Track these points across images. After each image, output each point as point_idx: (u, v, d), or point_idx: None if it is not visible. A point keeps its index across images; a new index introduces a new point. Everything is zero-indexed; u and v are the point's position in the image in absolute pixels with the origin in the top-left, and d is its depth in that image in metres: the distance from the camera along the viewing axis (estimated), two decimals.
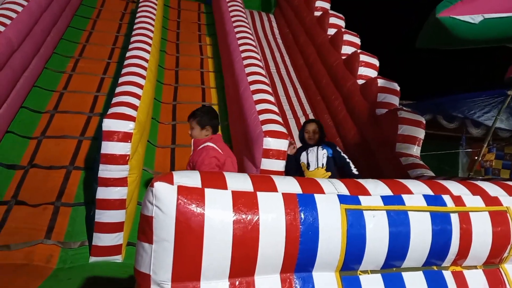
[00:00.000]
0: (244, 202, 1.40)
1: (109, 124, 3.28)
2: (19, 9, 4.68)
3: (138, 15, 5.75)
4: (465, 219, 1.69)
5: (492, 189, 1.86)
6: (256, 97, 4.21)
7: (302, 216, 1.45)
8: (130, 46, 4.74)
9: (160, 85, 5.76)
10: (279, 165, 3.60)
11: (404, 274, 1.63)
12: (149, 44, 4.90)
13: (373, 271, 1.60)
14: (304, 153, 3.86)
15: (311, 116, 6.27)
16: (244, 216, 1.38)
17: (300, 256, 1.44)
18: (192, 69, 6.44)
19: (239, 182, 1.46)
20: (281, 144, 3.60)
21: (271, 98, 4.30)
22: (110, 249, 3.33)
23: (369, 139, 4.90)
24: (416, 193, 1.67)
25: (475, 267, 1.75)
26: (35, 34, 5.00)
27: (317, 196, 1.51)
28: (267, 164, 3.57)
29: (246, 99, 4.32)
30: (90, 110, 4.96)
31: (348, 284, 1.53)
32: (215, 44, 7.09)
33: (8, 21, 4.37)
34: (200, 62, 6.70)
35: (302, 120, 6.21)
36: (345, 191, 1.58)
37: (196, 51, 6.97)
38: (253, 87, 4.38)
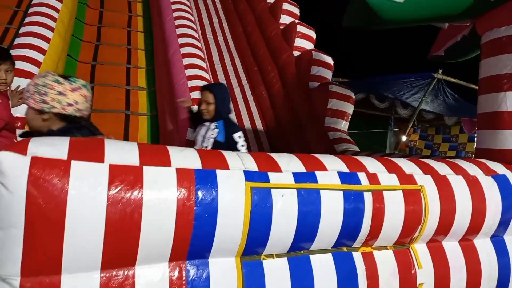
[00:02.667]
0: (124, 179, 1.14)
1: None
2: None
3: None
4: (378, 198, 1.60)
5: (408, 166, 1.80)
6: (186, 61, 3.86)
7: (199, 195, 1.23)
8: None
9: (78, 41, 5.11)
10: None
11: (312, 257, 1.51)
12: None
13: (278, 255, 1.45)
14: (198, 128, 2.91)
15: (246, 88, 6.05)
16: (122, 196, 1.12)
17: (194, 241, 1.23)
18: (118, 27, 5.82)
19: (123, 153, 1.20)
20: None
21: (203, 64, 3.98)
22: None
23: (302, 113, 4.82)
24: (331, 170, 1.53)
25: (385, 247, 1.69)
26: None
27: (219, 172, 1.30)
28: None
29: (175, 63, 3.95)
30: None
31: (249, 270, 1.37)
32: (147, 1, 6.48)
33: None
34: (128, 20, 6.08)
35: (237, 91, 5.97)
36: (253, 166, 1.39)
37: (124, 7, 6.31)
38: (184, 51, 4.02)
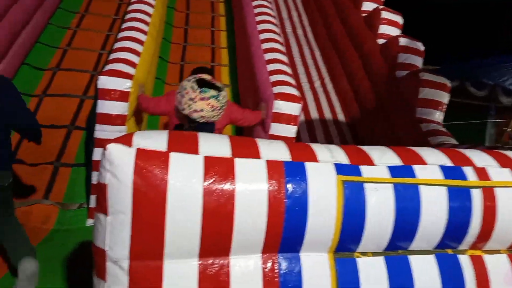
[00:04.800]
0: (218, 170, 1.17)
1: (104, 82, 3.08)
2: None
3: None
4: (489, 195, 1.42)
5: None
6: (268, 56, 3.88)
7: (289, 187, 1.21)
8: (132, 0, 4.43)
9: (167, 43, 5.47)
10: (290, 130, 3.33)
11: (411, 257, 1.40)
12: None
13: (374, 253, 1.37)
14: None
15: (327, 81, 5.90)
16: (217, 186, 1.16)
17: (285, 234, 1.22)
18: (202, 27, 6.10)
19: (215, 145, 1.23)
20: (293, 108, 3.32)
21: (284, 58, 3.97)
22: None
23: (388, 104, 4.54)
24: (431, 163, 1.40)
25: (498, 251, 1.49)
26: None
27: (308, 165, 1.26)
28: (277, 129, 3.30)
29: (257, 58, 4.00)
30: (93, 69, 4.76)
31: (342, 267, 1.31)
32: (228, 1, 6.67)
33: None
34: (211, 20, 6.33)
35: (317, 84, 5.86)
36: (344, 159, 1.33)
37: (207, 9, 6.58)
38: (265, 46, 4.04)
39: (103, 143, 3.12)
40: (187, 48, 5.67)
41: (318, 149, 1.34)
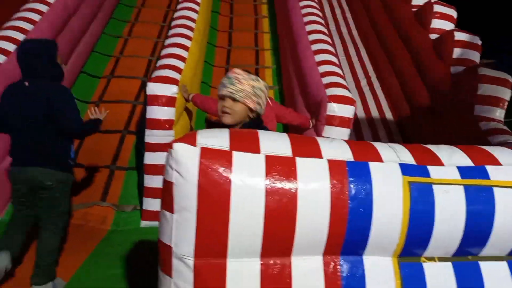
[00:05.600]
0: (280, 169, 1.16)
1: (152, 88, 3.19)
2: None
3: None
4: None
5: None
6: (319, 58, 3.83)
7: (352, 188, 1.18)
8: (178, 7, 4.57)
9: (212, 47, 5.58)
10: (344, 133, 3.29)
11: (482, 264, 1.30)
12: (198, 3, 4.68)
13: (441, 259, 1.29)
14: None
15: (373, 79, 5.72)
16: (279, 186, 1.14)
17: (348, 236, 1.18)
18: (246, 30, 6.15)
19: (276, 144, 1.22)
20: (347, 111, 3.26)
21: (335, 60, 3.91)
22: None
23: (440, 102, 4.32)
24: (506, 164, 1.30)
25: None
26: None
27: (372, 165, 1.22)
28: (330, 132, 3.27)
29: (306, 60, 3.96)
30: (144, 75, 4.96)
31: (408, 272, 1.25)
32: (271, 2, 6.69)
33: None
34: (254, 22, 6.38)
35: (364, 83, 5.70)
36: (409, 159, 1.26)
37: (251, 11, 6.63)
38: (315, 47, 3.99)
39: (153, 147, 3.26)
40: (231, 51, 5.74)
41: (382, 148, 1.29)
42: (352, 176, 1.18)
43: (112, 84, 4.75)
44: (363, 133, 4.81)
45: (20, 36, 3.53)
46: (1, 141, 3.01)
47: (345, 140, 1.33)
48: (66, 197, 2.41)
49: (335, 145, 1.28)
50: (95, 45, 5.18)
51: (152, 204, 3.27)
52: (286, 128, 4.36)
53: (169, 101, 3.19)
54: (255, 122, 1.71)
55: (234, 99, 1.68)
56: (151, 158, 3.22)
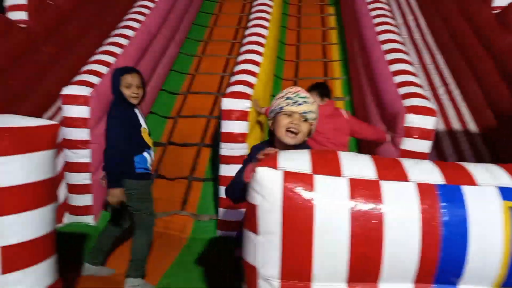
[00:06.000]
0: (364, 193, 1.16)
1: (227, 104, 3.36)
2: None
3: None
4: None
5: None
6: (394, 68, 3.75)
7: (445, 214, 1.13)
8: (249, 24, 4.75)
9: (281, 61, 5.69)
10: (424, 146, 3.16)
11: None
12: (267, 20, 4.83)
13: None
14: (139, 115, 2.82)
15: (452, 87, 5.38)
16: (364, 210, 1.15)
17: (442, 264, 1.13)
18: (313, 42, 6.19)
19: (358, 166, 1.23)
20: (427, 122, 3.14)
21: (412, 69, 3.79)
22: (235, 225, 3.48)
23: None
24: None
25: None
26: (171, 21, 5.44)
27: (466, 189, 1.16)
28: (409, 144, 3.16)
29: (380, 70, 3.90)
30: (217, 90, 5.22)
31: None
32: (339, 13, 6.65)
33: (147, 11, 4.84)
34: (322, 34, 6.39)
35: (441, 90, 5.39)
36: (509, 181, 1.19)
37: (318, 23, 6.66)
38: (389, 57, 3.92)
39: (227, 160, 3.42)
40: (299, 64, 5.81)
41: (475, 169, 1.23)
42: (444, 201, 1.14)
43: (189, 100, 5.08)
44: (443, 146, 4.54)
45: (111, 59, 3.95)
46: (96, 153, 3.39)
47: (432, 161, 1.30)
48: (139, 202, 2.64)
49: (422, 167, 1.25)
50: (173, 64, 5.59)
51: (227, 214, 3.42)
52: (358, 141, 4.29)
53: (243, 115, 3.33)
54: (306, 146, 1.63)
55: (304, 119, 1.60)
56: (226, 170, 3.38)
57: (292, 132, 1.60)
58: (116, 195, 2.50)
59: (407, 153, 3.18)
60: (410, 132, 3.13)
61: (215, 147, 4.36)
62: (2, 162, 1.29)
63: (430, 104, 3.23)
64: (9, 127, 1.29)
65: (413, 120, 3.12)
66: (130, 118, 2.64)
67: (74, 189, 3.41)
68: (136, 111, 2.73)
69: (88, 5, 5.25)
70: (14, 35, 4.11)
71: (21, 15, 4.41)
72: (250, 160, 1.61)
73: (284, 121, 1.61)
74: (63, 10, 4.83)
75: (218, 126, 4.57)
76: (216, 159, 4.18)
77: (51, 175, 1.45)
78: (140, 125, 2.70)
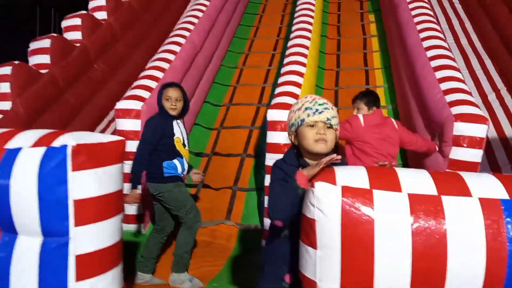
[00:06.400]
0: (425, 209, 1.16)
1: (272, 115, 3.41)
2: (200, 14, 5.34)
3: (298, 2, 5.79)
4: None
5: None
6: (440, 74, 3.65)
7: (511, 229, 1.12)
8: (291, 36, 4.80)
9: (321, 71, 5.69)
10: (474, 155, 3.05)
11: None
12: (309, 31, 4.86)
13: None
14: (175, 125, 2.93)
15: (504, 93, 5.13)
16: (426, 226, 1.14)
17: (509, 282, 1.12)
18: (354, 51, 6.13)
19: (417, 182, 1.22)
20: (478, 130, 3.03)
21: (459, 75, 3.68)
22: None
23: None
24: None
25: None
26: (214, 35, 5.61)
27: None
28: (458, 153, 3.06)
29: (425, 77, 3.81)
30: (258, 101, 5.30)
31: None
32: (380, 21, 6.56)
33: (192, 27, 5.03)
34: (362, 42, 6.32)
35: (491, 97, 5.15)
36: None
37: (358, 31, 6.60)
38: (435, 63, 3.82)
39: None
40: (340, 73, 5.78)
41: None
42: (510, 216, 1.13)
43: (231, 111, 5.19)
44: (496, 154, 4.33)
45: (160, 74, 4.13)
46: None
47: (494, 174, 1.27)
48: (176, 203, 2.79)
49: (484, 181, 1.23)
50: (215, 77, 5.75)
51: None
52: (404, 150, 4.19)
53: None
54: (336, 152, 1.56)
55: (329, 126, 1.54)
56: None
57: (323, 140, 1.53)
58: (133, 195, 2.76)
59: (457, 162, 3.08)
60: (458, 141, 3.03)
61: (257, 157, 4.42)
62: (79, 176, 1.41)
63: (480, 111, 3.11)
64: (85, 144, 1.41)
65: (462, 128, 3.02)
66: (163, 127, 2.82)
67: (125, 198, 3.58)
68: (175, 122, 2.90)
69: (136, 23, 5.54)
70: (71, 54, 4.42)
71: (76, 35, 4.74)
72: (283, 177, 1.55)
73: (309, 133, 1.54)
74: (114, 29, 5.13)
75: (260, 136, 4.65)
76: (258, 169, 4.25)
77: (120, 187, 1.55)
78: (173, 135, 2.85)
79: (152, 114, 3.61)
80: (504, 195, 1.17)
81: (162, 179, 2.78)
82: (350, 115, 3.18)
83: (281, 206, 1.47)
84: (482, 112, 3.14)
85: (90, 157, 1.41)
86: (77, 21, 4.73)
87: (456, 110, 3.11)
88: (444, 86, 3.43)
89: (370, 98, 3.13)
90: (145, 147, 2.77)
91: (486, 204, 1.15)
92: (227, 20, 6.22)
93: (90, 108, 4.60)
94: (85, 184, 1.42)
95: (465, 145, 3.02)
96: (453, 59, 3.87)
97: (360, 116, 3.05)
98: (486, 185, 1.22)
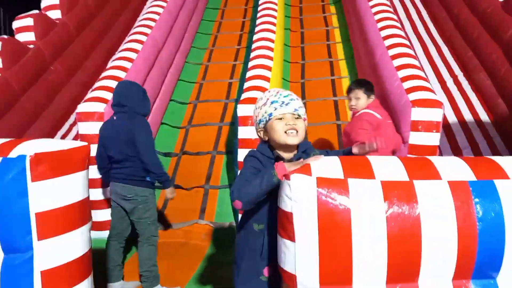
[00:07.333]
0: (398, 194, 1.18)
1: (242, 110, 3.38)
2: (161, 10, 5.19)
3: None
4: None
5: None
6: (397, 62, 3.74)
7: (479, 209, 1.15)
8: (256, 29, 4.78)
9: (287, 64, 5.70)
10: (432, 139, 3.15)
11: None
12: (274, 24, 4.86)
13: None
14: None
15: (461, 78, 5.36)
16: (400, 211, 1.16)
17: (479, 259, 1.15)
18: (317, 42, 6.20)
19: (389, 169, 1.24)
20: (434, 114, 3.11)
21: (416, 62, 3.78)
22: None
23: None
24: None
25: None
26: (176, 31, 5.47)
27: (499, 183, 1.18)
28: (417, 138, 3.15)
29: (384, 66, 3.90)
30: (226, 97, 5.24)
31: None
32: (341, 12, 6.66)
33: (152, 23, 4.88)
34: (326, 34, 6.40)
35: (450, 83, 5.36)
36: None
37: (321, 23, 6.67)
38: (392, 52, 3.92)
39: None
40: (305, 65, 5.82)
41: (504, 162, 1.24)
42: (478, 197, 1.16)
43: (199, 108, 5.10)
44: (457, 138, 4.52)
45: (122, 74, 3.98)
46: None
47: (461, 157, 1.30)
48: (146, 208, 2.72)
49: (451, 164, 1.26)
50: (180, 74, 5.62)
51: None
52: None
53: None
54: (308, 143, 1.58)
55: (297, 117, 1.52)
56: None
57: (295, 129, 1.51)
58: (171, 191, 2.83)
59: (416, 147, 3.17)
60: (416, 126, 3.12)
61: (228, 154, 4.38)
62: (40, 187, 1.32)
63: (435, 96, 3.22)
64: (45, 152, 1.31)
65: (419, 114, 3.11)
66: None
67: (95, 205, 3.43)
68: None
69: (92, 22, 5.31)
70: (24, 57, 4.16)
71: (29, 36, 4.48)
72: (256, 166, 1.52)
73: (278, 126, 1.51)
74: (69, 28, 4.89)
75: (230, 132, 4.61)
76: (230, 166, 4.21)
77: (86, 195, 1.47)
78: None
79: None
80: (472, 177, 1.21)
81: (142, 183, 2.68)
82: (356, 116, 2.92)
83: (246, 189, 1.43)
84: (437, 97, 3.24)
85: (51, 166, 1.32)
86: (29, 21, 4.47)
87: (412, 96, 3.20)
88: (402, 73, 3.52)
89: (368, 86, 2.97)
90: (154, 150, 2.77)
91: (455, 186, 1.18)
92: (189, 15, 6.10)
93: (49, 113, 4.37)
94: (47, 195, 1.33)
95: (422, 130, 3.11)
96: (409, 47, 3.98)
97: (370, 111, 2.87)
98: (454, 168, 1.25)
